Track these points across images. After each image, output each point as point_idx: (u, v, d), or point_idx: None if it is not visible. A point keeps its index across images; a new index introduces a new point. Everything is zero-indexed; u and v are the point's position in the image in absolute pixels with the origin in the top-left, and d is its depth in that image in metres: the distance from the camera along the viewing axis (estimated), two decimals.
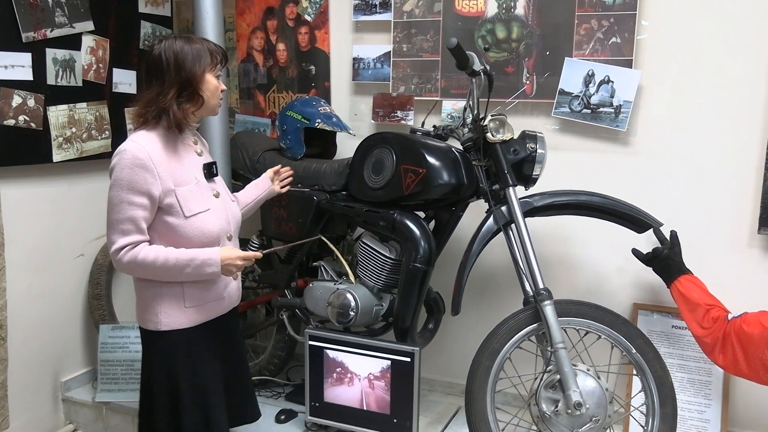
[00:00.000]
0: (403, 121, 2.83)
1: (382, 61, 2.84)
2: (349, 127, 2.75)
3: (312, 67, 3.00)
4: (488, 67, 2.23)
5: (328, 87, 2.99)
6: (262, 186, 2.34)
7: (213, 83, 1.88)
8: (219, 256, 1.87)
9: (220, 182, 2.01)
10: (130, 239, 1.78)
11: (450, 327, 2.87)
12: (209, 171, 1.95)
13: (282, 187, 2.43)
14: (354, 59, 2.91)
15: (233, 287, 2.02)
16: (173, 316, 1.88)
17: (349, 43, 2.93)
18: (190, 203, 1.86)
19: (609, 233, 2.51)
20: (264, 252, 2.07)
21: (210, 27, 2.58)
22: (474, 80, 2.24)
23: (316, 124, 2.66)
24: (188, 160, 1.91)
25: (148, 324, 1.90)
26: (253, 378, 2.89)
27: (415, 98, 2.80)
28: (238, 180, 2.85)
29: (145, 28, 3.04)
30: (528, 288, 2.24)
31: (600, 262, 2.64)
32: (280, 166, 2.43)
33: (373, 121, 2.91)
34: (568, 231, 2.66)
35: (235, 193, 2.28)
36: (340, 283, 2.57)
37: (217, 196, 1.96)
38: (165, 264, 1.81)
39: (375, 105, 2.88)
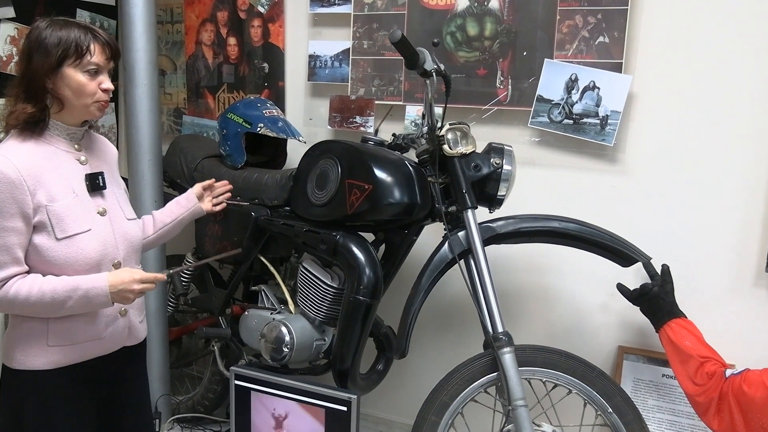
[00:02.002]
0: (362, 128, 2.50)
1: (341, 59, 2.52)
2: (298, 133, 2.42)
3: (265, 64, 2.69)
4: (442, 67, 1.88)
5: (282, 87, 2.68)
6: (186, 204, 1.99)
7: (76, 80, 1.54)
8: (107, 282, 1.54)
9: (111, 197, 1.68)
10: (5, 273, 1.48)
11: (409, 361, 2.52)
12: (92, 183, 1.62)
13: (215, 205, 2.07)
14: (310, 57, 2.60)
15: (121, 325, 1.68)
16: (30, 355, 1.55)
17: (305, 39, 2.62)
18: (64, 222, 1.53)
19: (591, 263, 2.15)
20: (170, 273, 1.73)
21: (139, 16, 2.26)
22: (427, 82, 1.90)
23: (258, 129, 2.34)
24: (65, 169, 1.58)
25: (5, 357, 1.58)
26: (185, 415, 2.56)
27: (376, 102, 2.47)
28: (176, 190, 2.53)
29: (82, 17, 2.73)
30: (487, 328, 1.89)
31: (580, 296, 2.31)
32: (213, 180, 2.08)
33: (329, 127, 2.58)
34: (544, 258, 2.33)
35: (154, 212, 1.95)
36: (278, 313, 2.24)
37: (102, 213, 1.62)
38: (41, 299, 1.49)
39: (332, 109, 2.55)
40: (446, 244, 1.94)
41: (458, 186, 1.92)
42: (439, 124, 1.95)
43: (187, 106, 2.91)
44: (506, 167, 1.95)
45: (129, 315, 1.71)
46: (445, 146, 1.92)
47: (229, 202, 2.14)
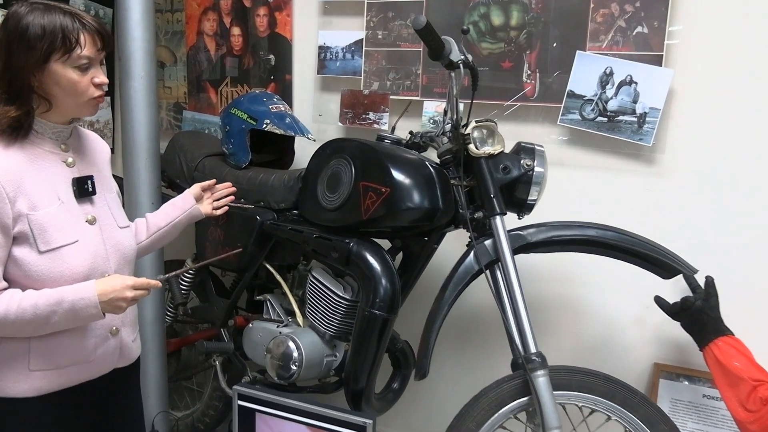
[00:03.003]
0: (376, 125, 2.32)
1: (353, 50, 2.35)
2: (307, 131, 2.24)
3: (271, 56, 2.52)
4: (470, 58, 1.70)
5: (289, 81, 2.50)
6: (183, 206, 1.81)
7: (66, 77, 1.36)
8: (95, 290, 1.36)
9: (101, 203, 1.50)
10: None
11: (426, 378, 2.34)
12: (80, 188, 1.44)
13: (216, 209, 1.89)
14: (320, 48, 2.42)
15: (112, 345, 1.50)
16: (10, 380, 1.38)
17: (314, 29, 2.44)
18: (48, 233, 1.35)
19: (623, 273, 2.02)
20: (166, 278, 1.55)
21: (135, 1, 2.07)
22: (452, 74, 1.72)
23: (264, 125, 2.16)
24: (50, 172, 1.40)
25: None
26: None
27: (392, 97, 2.29)
28: (175, 190, 2.36)
29: (76, 4, 2.55)
30: (517, 348, 1.72)
31: (613, 309, 2.13)
32: (214, 180, 1.91)
33: (340, 124, 2.40)
34: (570, 268, 2.16)
35: (148, 214, 1.78)
36: (285, 326, 2.06)
37: (92, 222, 1.45)
38: (21, 317, 1.32)
39: (343, 104, 2.37)
40: (471, 254, 1.76)
41: (485, 190, 1.74)
42: (463, 121, 1.77)
43: (188, 100, 2.74)
44: (538, 169, 1.77)
45: (121, 334, 1.53)
46: (471, 146, 1.75)
47: (232, 204, 1.96)
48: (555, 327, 2.19)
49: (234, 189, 1.95)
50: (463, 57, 1.66)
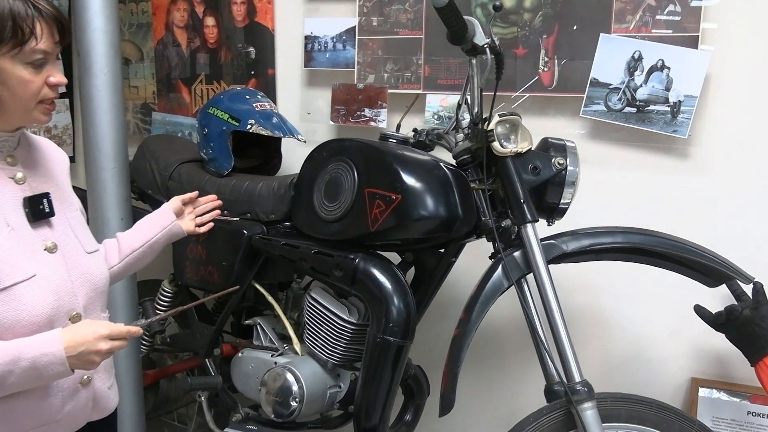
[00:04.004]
0: (372, 123, 2.08)
1: (345, 40, 2.12)
2: (297, 131, 2.00)
3: (251, 49, 2.29)
4: (497, 41, 1.46)
5: (272, 76, 2.27)
6: (161, 222, 1.54)
7: (16, 75, 1.10)
8: (61, 343, 1.10)
9: (62, 225, 1.23)
10: None
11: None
12: (34, 209, 1.17)
13: (200, 225, 1.64)
14: (306, 38, 2.18)
15: (83, 398, 1.24)
16: None
17: (299, 16, 2.21)
18: None
19: (657, 281, 1.83)
20: (147, 323, 1.29)
21: None
22: (474, 61, 1.50)
23: (249, 126, 1.90)
24: None
25: None
26: None
27: (390, 91, 2.06)
28: (147, 203, 2.09)
29: None
30: (553, 374, 1.51)
31: (644, 320, 1.94)
32: (196, 193, 1.65)
33: (332, 123, 2.17)
34: (596, 275, 1.95)
35: (119, 234, 1.51)
36: (280, 354, 1.81)
37: (52, 249, 1.18)
38: None
39: (335, 100, 2.13)
40: (500, 268, 1.54)
41: (514, 194, 1.52)
42: (484, 115, 1.54)
43: (157, 101, 2.48)
44: (571, 168, 1.55)
45: (93, 383, 1.26)
46: (495, 143, 1.52)
47: (218, 219, 1.71)
48: (581, 340, 1.97)
49: (219, 202, 1.70)
50: (489, 41, 1.42)
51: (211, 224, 1.67)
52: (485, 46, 1.42)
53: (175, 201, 1.60)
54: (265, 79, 2.26)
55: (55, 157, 1.33)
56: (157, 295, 2.07)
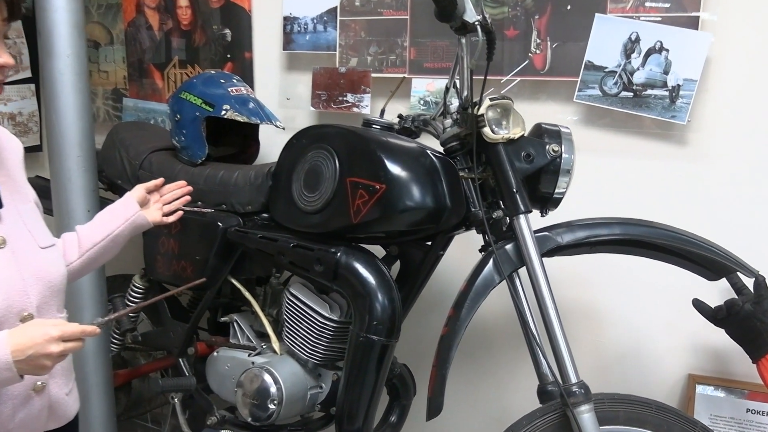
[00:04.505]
0: (355, 109, 1.99)
1: (326, 21, 2.02)
2: (275, 117, 1.89)
3: (227, 31, 2.18)
4: (488, 18, 1.36)
5: (249, 59, 2.17)
6: (124, 213, 1.44)
7: None
8: (8, 346, 1.00)
9: (13, 218, 1.13)
10: None
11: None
12: None
13: (167, 214, 1.53)
14: (285, 19, 2.07)
15: (37, 407, 1.14)
16: None
17: None
18: None
19: (652, 274, 1.75)
20: (105, 321, 1.17)
21: None
22: (463, 41, 1.40)
23: (223, 112, 1.80)
24: None
25: None
26: None
27: (373, 75, 1.96)
28: (117, 193, 1.98)
29: None
30: (546, 374, 1.43)
31: (638, 314, 1.86)
32: (161, 180, 1.54)
33: (313, 109, 2.06)
34: (591, 268, 1.86)
35: (78, 227, 1.40)
36: (258, 354, 1.72)
37: (0, 245, 1.07)
38: None
39: (315, 85, 2.03)
40: (491, 262, 1.44)
41: (506, 183, 1.42)
42: (474, 99, 1.44)
43: (128, 86, 2.37)
44: (566, 155, 1.46)
45: (48, 389, 1.16)
46: (486, 129, 1.42)
47: (187, 209, 1.60)
48: (573, 335, 1.86)
49: (189, 188, 1.59)
50: (480, 18, 1.32)
51: (180, 213, 1.56)
52: (476, 23, 1.32)
53: (139, 189, 1.49)
54: (242, 63, 2.15)
55: (8, 145, 1.22)
56: (128, 291, 1.97)
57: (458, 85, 1.47)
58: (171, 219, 1.54)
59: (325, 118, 2.06)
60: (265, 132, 2.03)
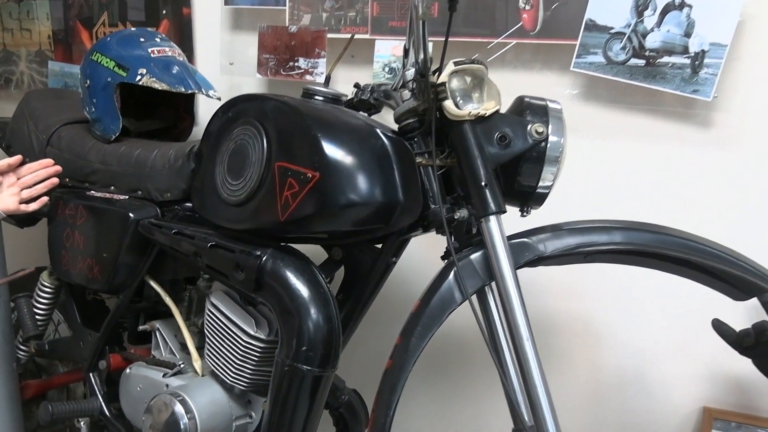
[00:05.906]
0: (308, 76, 1.67)
1: None
2: (208, 85, 1.56)
3: None
4: None
5: (188, 16, 1.85)
6: None
7: None
8: None
9: None
10: None
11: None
12: None
13: (27, 202, 1.23)
14: None
15: None
16: None
17: None
18: None
19: (662, 285, 1.45)
20: None
21: None
22: None
23: (138, 77, 1.47)
24: None
25: None
26: None
27: (330, 36, 1.64)
28: None
29: None
30: (522, 414, 1.13)
31: (646, 333, 1.56)
32: (19, 157, 1.24)
33: (259, 76, 1.73)
34: (587, 277, 1.56)
35: None
36: (175, 374, 1.41)
37: None
38: None
39: (262, 48, 1.70)
40: (451, 275, 1.12)
41: (473, 174, 1.09)
42: (435, 65, 1.11)
43: (54, 47, 2.04)
44: (554, 138, 1.12)
45: None
46: (448, 102, 1.09)
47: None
48: (566, 355, 1.60)
49: (56, 168, 1.29)
50: None
51: (45, 199, 1.27)
52: None
53: None
54: (179, 21, 1.82)
55: None
56: (36, 290, 1.66)
57: (414, 47, 1.13)
58: (32, 207, 1.24)
59: (274, 87, 1.74)
60: (206, 104, 1.70)
